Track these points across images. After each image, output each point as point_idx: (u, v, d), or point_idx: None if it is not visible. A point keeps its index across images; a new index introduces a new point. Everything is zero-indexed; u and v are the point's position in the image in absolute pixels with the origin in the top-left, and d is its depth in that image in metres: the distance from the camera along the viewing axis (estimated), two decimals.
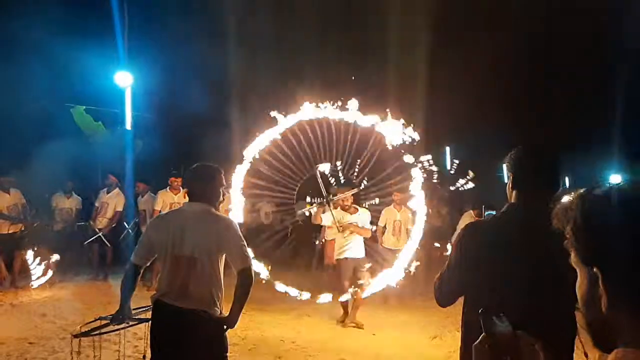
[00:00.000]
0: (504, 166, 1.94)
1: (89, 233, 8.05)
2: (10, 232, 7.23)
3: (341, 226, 5.74)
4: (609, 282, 0.82)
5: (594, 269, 0.83)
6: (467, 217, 8.01)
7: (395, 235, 7.15)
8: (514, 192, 1.90)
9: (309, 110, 4.49)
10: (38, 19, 9.50)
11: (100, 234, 7.99)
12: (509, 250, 1.76)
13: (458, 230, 3.06)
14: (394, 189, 6.18)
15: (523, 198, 1.88)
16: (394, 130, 4.38)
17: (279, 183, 5.49)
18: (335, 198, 5.67)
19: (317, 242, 7.91)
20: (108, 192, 8.20)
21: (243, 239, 2.88)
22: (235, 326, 2.83)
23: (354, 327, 5.74)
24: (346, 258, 5.83)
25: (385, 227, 7.15)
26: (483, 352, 0.99)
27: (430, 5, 11.26)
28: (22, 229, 7.38)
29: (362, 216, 5.93)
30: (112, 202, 8.12)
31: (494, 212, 3.42)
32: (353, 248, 5.85)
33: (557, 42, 14.03)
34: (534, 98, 16.18)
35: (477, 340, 1.01)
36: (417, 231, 4.67)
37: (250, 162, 4.63)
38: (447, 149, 19.54)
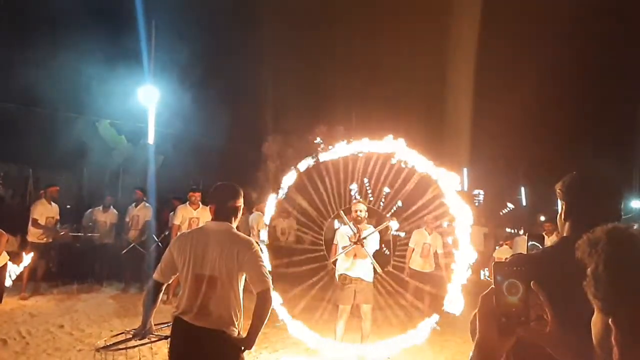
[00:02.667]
0: (557, 192, 1.68)
1: (124, 245, 8.41)
2: (43, 242, 7.55)
3: (354, 239, 5.08)
4: (623, 341, 0.76)
5: (609, 320, 0.78)
6: (504, 252, 7.79)
7: (423, 257, 7.13)
8: (567, 224, 1.65)
9: (350, 145, 4.35)
10: (73, 39, 9.92)
11: (134, 244, 8.36)
12: (560, 292, 1.66)
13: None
14: (428, 216, 5.74)
15: (579, 231, 1.55)
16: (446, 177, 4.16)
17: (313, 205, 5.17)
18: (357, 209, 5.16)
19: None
20: (136, 206, 8.56)
21: (263, 260, 2.89)
22: (253, 348, 2.83)
23: None
24: (346, 275, 5.12)
25: (414, 248, 7.14)
26: (489, 303, 0.99)
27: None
28: (51, 240, 7.73)
29: (372, 234, 5.28)
30: (142, 214, 8.51)
31: (537, 244, 3.16)
32: (358, 267, 5.12)
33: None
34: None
35: (485, 292, 1.01)
36: (461, 266, 4.11)
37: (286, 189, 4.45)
38: (465, 170, 19.36)
